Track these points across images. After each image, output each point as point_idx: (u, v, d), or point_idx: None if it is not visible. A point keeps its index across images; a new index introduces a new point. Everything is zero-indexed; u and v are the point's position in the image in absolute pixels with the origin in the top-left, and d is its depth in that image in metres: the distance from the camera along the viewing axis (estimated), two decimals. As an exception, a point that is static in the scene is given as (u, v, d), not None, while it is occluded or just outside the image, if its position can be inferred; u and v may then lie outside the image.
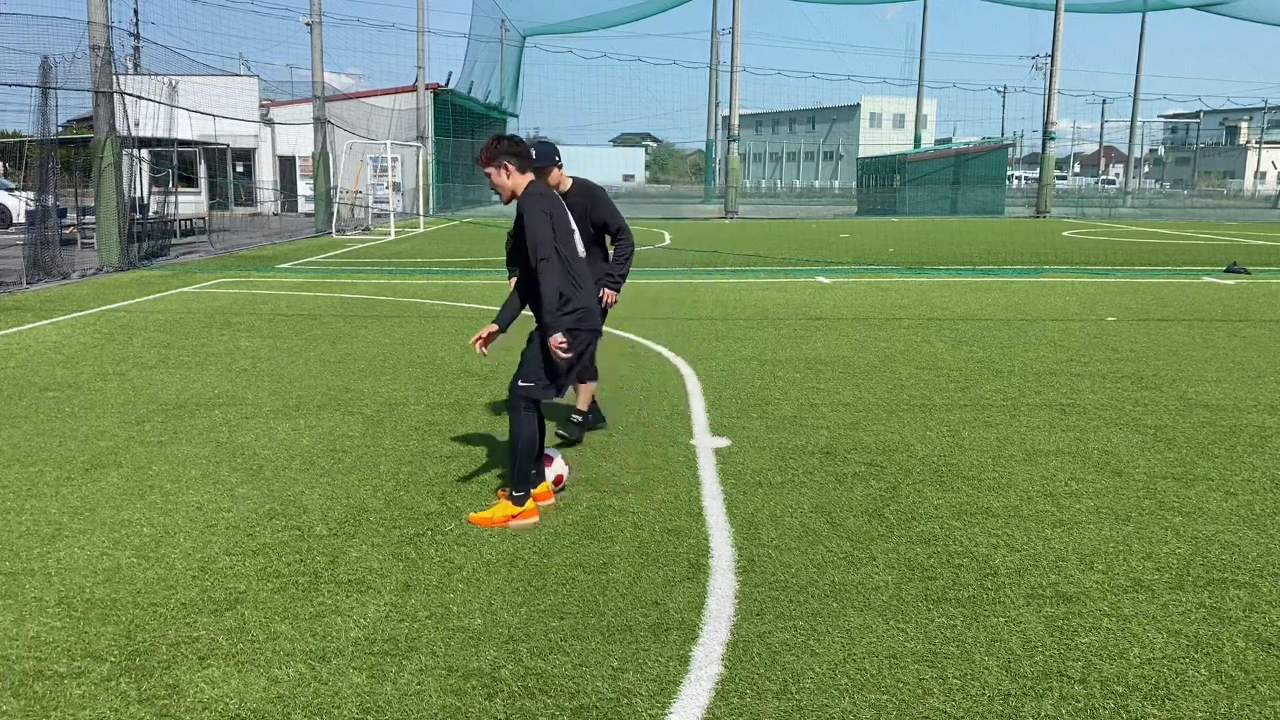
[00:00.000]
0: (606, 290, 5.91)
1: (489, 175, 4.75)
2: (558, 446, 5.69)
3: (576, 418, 6.15)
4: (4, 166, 33.02)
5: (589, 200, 5.88)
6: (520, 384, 4.76)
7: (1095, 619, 3.74)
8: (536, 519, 4.73)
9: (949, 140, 69.08)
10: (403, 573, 4.15)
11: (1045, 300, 12.92)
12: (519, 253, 4.76)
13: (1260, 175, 79.82)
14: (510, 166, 4.71)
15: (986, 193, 41.59)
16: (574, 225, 4.94)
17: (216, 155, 35.74)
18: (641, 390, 7.57)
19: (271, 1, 69.11)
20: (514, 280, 5.19)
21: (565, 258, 4.71)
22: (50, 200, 15.53)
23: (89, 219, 19.18)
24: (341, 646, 3.52)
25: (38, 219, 15.21)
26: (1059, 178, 65.48)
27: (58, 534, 4.57)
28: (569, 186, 5.87)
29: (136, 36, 33.38)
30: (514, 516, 4.70)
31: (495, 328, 4.87)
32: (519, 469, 4.73)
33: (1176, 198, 64.73)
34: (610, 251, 6.15)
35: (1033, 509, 4.93)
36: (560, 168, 5.74)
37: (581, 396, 6.21)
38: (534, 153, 5.23)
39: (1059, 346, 9.45)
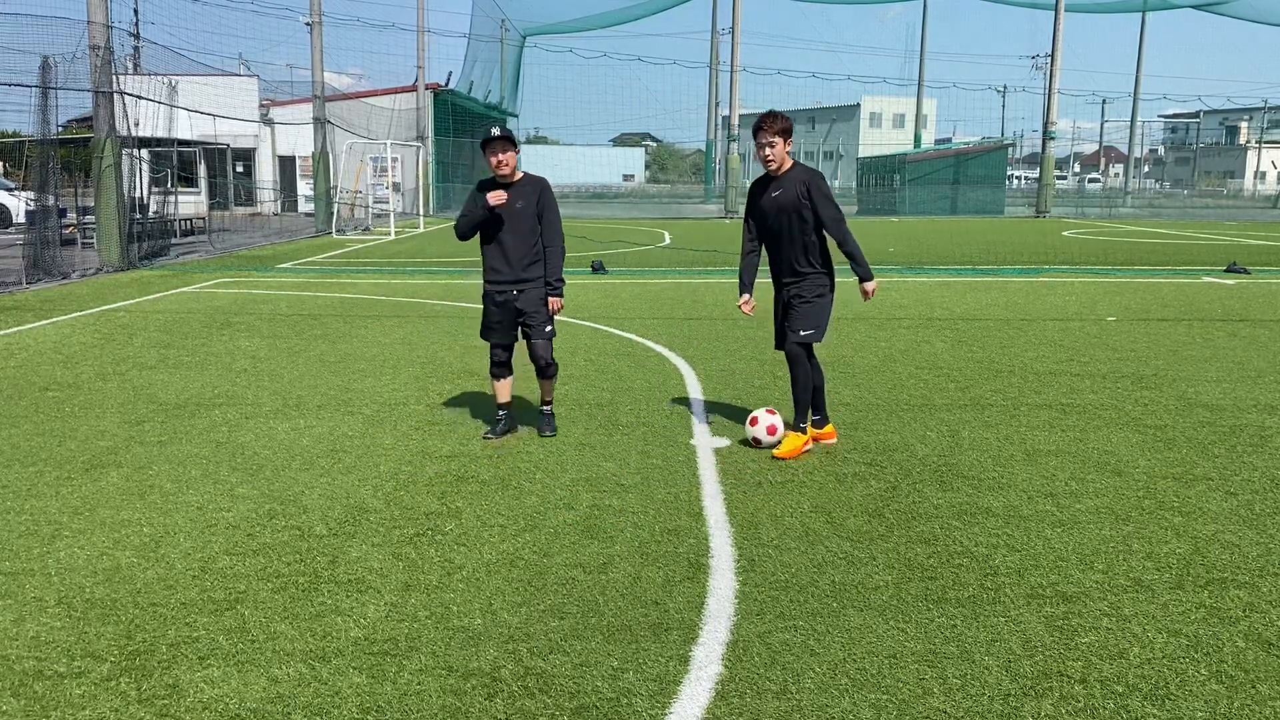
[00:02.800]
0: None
1: (774, 144, 5.55)
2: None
3: (547, 409, 6.37)
4: (4, 166, 33.03)
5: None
6: (803, 334, 5.71)
7: (1095, 619, 3.74)
8: (811, 446, 5.86)
9: (949, 140, 69.06)
10: (403, 573, 4.15)
11: (1045, 300, 12.92)
12: (783, 221, 5.65)
13: (1260, 175, 79.76)
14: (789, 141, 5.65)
15: (986, 193, 41.58)
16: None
17: (216, 155, 35.75)
18: (642, 390, 7.57)
19: (271, 1, 69.10)
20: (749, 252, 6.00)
21: None
22: (50, 200, 15.53)
23: (89, 219, 19.17)
24: (341, 646, 3.52)
25: (38, 219, 15.21)
26: (1058, 178, 65.44)
27: (58, 534, 4.57)
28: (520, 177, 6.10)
29: (136, 36, 33.40)
30: (807, 443, 5.82)
31: (751, 298, 6.03)
32: (806, 404, 5.81)
33: (1176, 197, 64.70)
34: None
35: (1033, 509, 4.93)
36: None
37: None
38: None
39: (1059, 346, 9.45)
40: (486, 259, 6.12)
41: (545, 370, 6.20)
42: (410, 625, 3.68)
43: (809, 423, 5.91)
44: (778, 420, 5.89)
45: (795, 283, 5.77)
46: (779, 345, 5.93)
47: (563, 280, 6.07)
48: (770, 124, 5.57)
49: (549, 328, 6.12)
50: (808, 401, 5.84)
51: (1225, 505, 4.99)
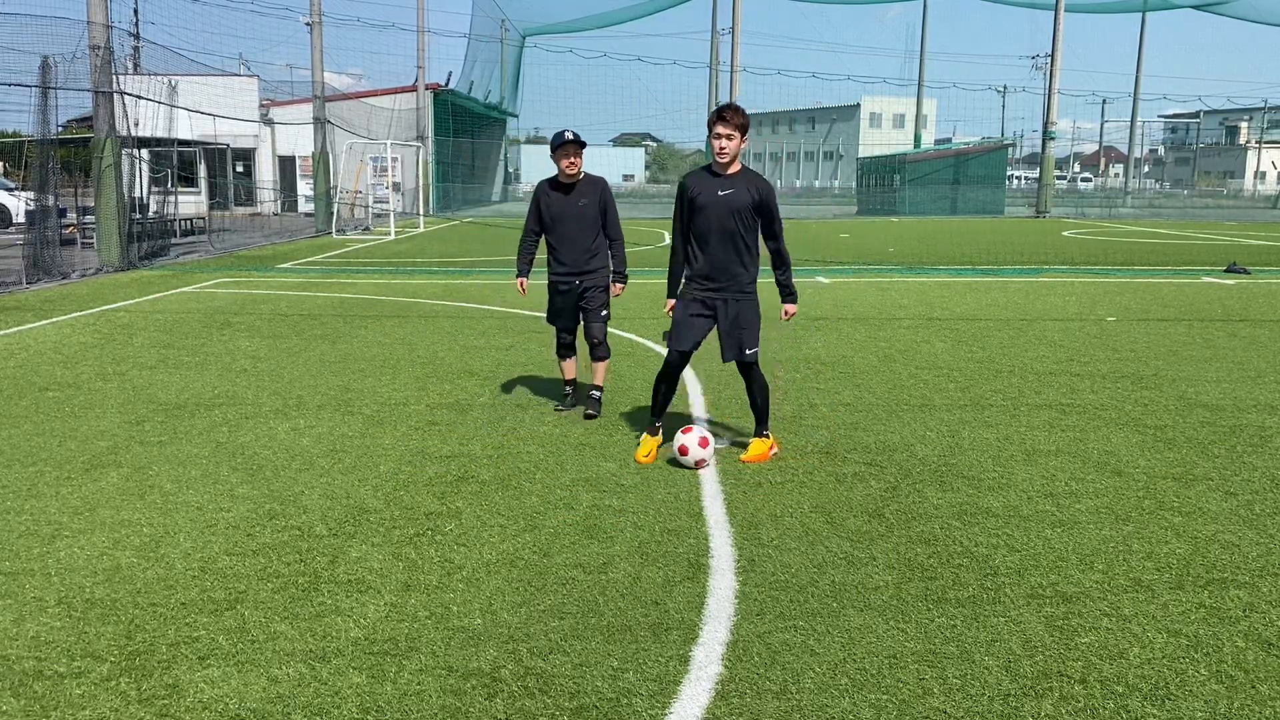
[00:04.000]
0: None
1: (733, 138, 5.36)
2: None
3: (596, 394, 6.85)
4: (4, 166, 33.02)
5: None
6: (749, 352, 5.60)
7: (1095, 619, 3.74)
8: (777, 449, 5.85)
9: (949, 140, 69.04)
10: (403, 573, 4.15)
11: (1045, 300, 12.92)
12: (730, 223, 5.48)
13: (1260, 175, 79.74)
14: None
15: (986, 193, 41.57)
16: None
17: (216, 155, 35.74)
18: (642, 390, 7.56)
19: (271, 1, 69.07)
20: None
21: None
22: (50, 200, 15.52)
23: (89, 219, 19.17)
24: (341, 646, 3.52)
25: (38, 219, 15.21)
26: (1059, 178, 65.44)
27: (58, 534, 4.57)
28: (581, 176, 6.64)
29: (136, 36, 33.37)
30: (772, 447, 5.79)
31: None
32: (768, 411, 5.79)
33: (1176, 198, 64.67)
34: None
35: (1033, 509, 4.93)
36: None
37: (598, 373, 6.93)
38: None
39: (1059, 346, 9.45)
40: (552, 252, 6.68)
41: (597, 350, 6.79)
42: (410, 625, 3.68)
43: (762, 429, 5.82)
44: (693, 443, 5.52)
45: (730, 290, 5.53)
46: (690, 350, 5.65)
47: (625, 270, 6.82)
48: (732, 116, 5.33)
49: (604, 313, 6.77)
50: (767, 407, 5.76)
51: (1225, 505, 4.99)
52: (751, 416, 5.91)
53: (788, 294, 5.77)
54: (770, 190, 5.56)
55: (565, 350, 6.93)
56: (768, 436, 5.81)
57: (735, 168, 5.50)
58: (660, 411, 5.89)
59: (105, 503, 5.00)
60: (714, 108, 47.00)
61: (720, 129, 5.35)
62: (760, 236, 5.59)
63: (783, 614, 3.78)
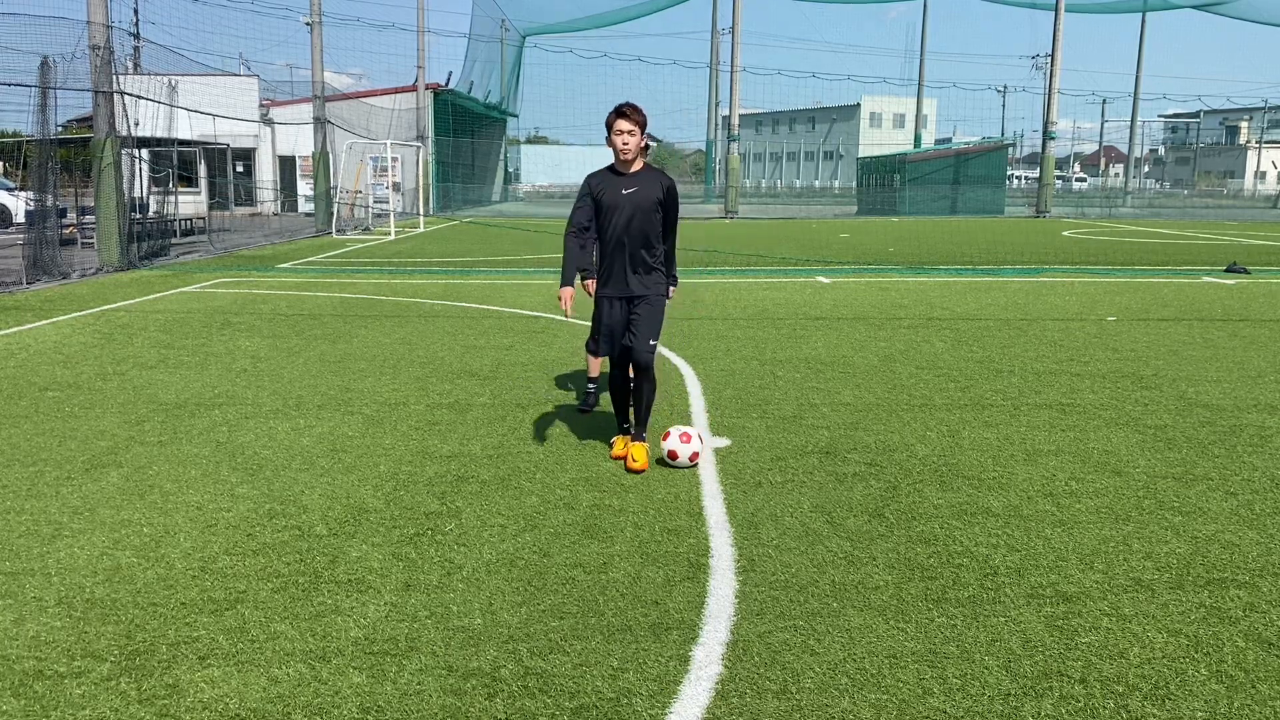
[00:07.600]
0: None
1: (633, 134, 5.37)
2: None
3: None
4: (4, 166, 33.01)
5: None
6: (652, 343, 5.56)
7: (1095, 619, 3.74)
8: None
9: (949, 140, 69.05)
10: (403, 573, 4.15)
11: (1045, 300, 12.92)
12: (638, 221, 5.49)
13: (1260, 175, 79.75)
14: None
15: (986, 192, 41.55)
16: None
17: (216, 155, 35.74)
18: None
19: (271, 1, 69.09)
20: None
21: None
22: (50, 200, 15.53)
23: (89, 219, 19.17)
24: (341, 646, 3.52)
25: (38, 219, 15.22)
26: (1058, 177, 65.45)
27: (58, 534, 4.57)
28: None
29: (136, 36, 33.38)
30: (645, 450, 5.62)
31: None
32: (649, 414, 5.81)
33: (1176, 197, 64.67)
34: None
35: (1033, 509, 4.93)
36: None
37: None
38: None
39: (1059, 346, 9.45)
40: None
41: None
42: (410, 625, 3.68)
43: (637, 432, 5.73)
44: (676, 444, 5.54)
45: (639, 288, 5.55)
46: (614, 354, 5.71)
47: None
48: (633, 113, 5.37)
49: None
50: (650, 408, 5.72)
51: (1225, 505, 4.99)
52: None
53: (672, 279, 5.77)
54: (673, 183, 5.61)
55: (597, 345, 6.69)
56: (644, 440, 5.68)
57: (638, 166, 5.55)
58: (625, 412, 5.87)
59: (105, 503, 5.00)
60: (715, 107, 46.67)
61: (622, 125, 5.38)
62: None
63: (783, 614, 3.78)
